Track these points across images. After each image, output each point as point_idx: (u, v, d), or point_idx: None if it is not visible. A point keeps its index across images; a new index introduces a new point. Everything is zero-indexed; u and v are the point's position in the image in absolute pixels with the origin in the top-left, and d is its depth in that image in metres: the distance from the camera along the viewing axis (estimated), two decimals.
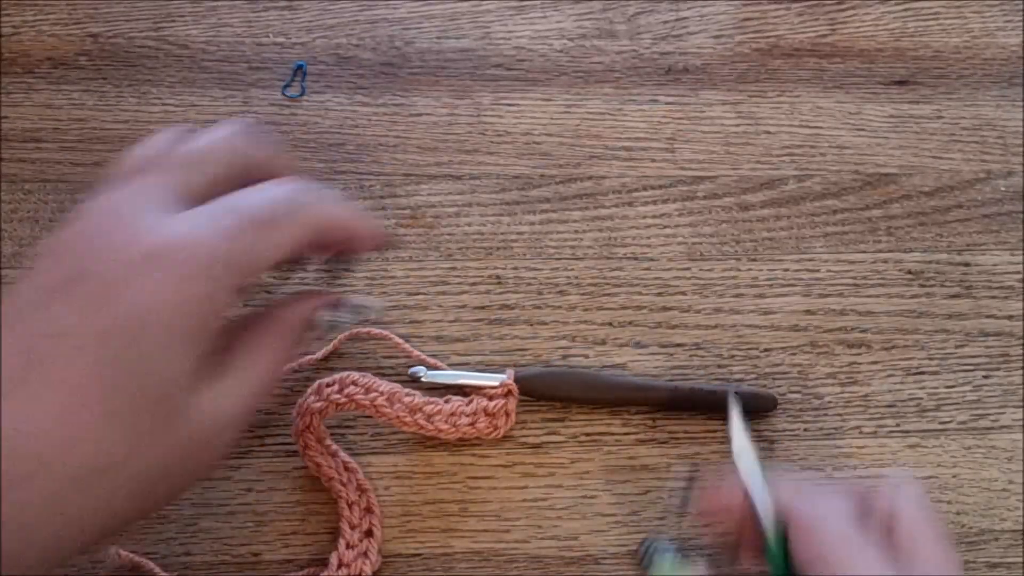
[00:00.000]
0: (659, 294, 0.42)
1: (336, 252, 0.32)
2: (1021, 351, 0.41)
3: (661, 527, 0.37)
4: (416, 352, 0.39)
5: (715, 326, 0.41)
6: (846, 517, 0.30)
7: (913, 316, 0.42)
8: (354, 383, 0.37)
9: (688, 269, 0.42)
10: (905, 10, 0.49)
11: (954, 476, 0.38)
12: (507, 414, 0.38)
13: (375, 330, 0.40)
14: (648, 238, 0.43)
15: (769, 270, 0.42)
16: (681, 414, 0.39)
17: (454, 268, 0.42)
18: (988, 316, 0.42)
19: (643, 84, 0.47)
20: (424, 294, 0.41)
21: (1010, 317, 0.42)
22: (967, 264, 0.43)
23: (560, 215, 0.43)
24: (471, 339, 0.40)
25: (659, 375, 0.40)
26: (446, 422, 0.37)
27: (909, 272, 0.43)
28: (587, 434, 0.39)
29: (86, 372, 0.25)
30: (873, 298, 0.42)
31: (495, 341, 0.40)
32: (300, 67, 0.46)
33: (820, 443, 0.39)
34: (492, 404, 0.37)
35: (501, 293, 0.41)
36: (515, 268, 0.42)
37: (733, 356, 0.40)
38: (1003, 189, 0.45)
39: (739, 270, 0.42)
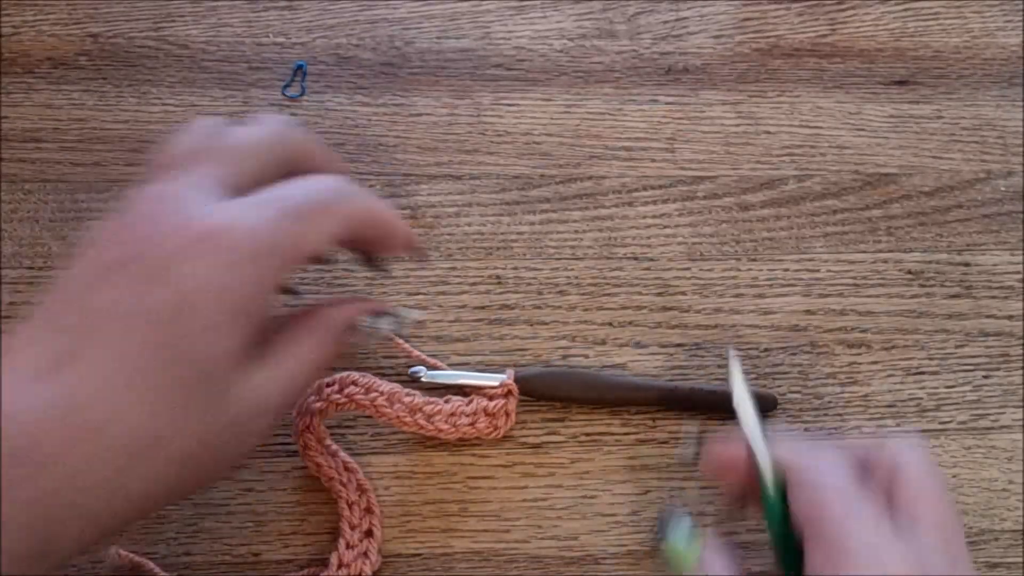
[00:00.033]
0: (659, 294, 0.42)
1: (369, 250, 0.34)
2: (1021, 351, 0.41)
3: (677, 497, 0.37)
4: (416, 352, 0.39)
5: (715, 326, 0.41)
6: (845, 474, 0.30)
7: (913, 316, 0.42)
8: (354, 383, 0.37)
9: (688, 269, 0.42)
10: (905, 10, 0.49)
11: (954, 476, 0.38)
12: (507, 414, 0.38)
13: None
14: (648, 238, 0.43)
15: (769, 270, 0.43)
16: (681, 414, 0.39)
17: (454, 268, 0.42)
18: (988, 316, 0.42)
19: (643, 84, 0.47)
20: (424, 294, 0.41)
21: (1010, 317, 0.42)
22: (967, 264, 0.43)
23: (560, 215, 0.43)
24: (471, 339, 0.40)
25: (659, 375, 0.40)
26: (446, 422, 0.37)
27: (909, 272, 0.43)
28: (587, 434, 0.39)
29: (135, 349, 0.26)
30: (873, 298, 0.42)
31: (495, 341, 0.40)
32: (300, 67, 0.47)
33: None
34: (492, 404, 0.37)
35: (501, 293, 0.41)
36: (515, 268, 0.42)
37: None
38: (1003, 189, 0.45)
39: (739, 270, 0.42)
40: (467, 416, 0.37)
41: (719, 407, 0.37)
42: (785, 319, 0.41)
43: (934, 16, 0.49)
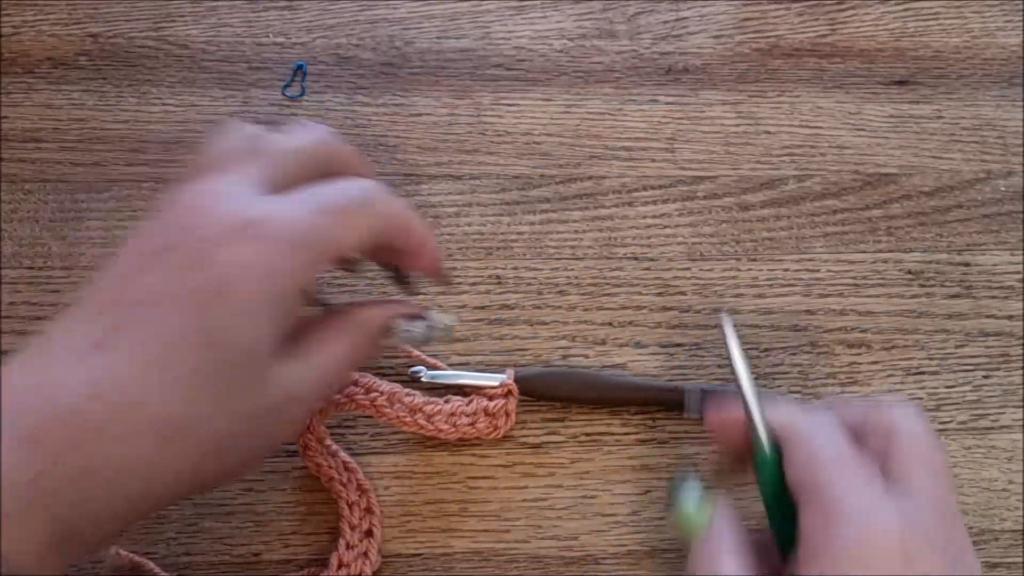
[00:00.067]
0: (659, 294, 0.42)
1: (397, 262, 0.34)
2: (1021, 351, 0.41)
3: (688, 469, 0.38)
4: (416, 352, 0.39)
5: (715, 326, 0.41)
6: (841, 439, 0.30)
7: (913, 316, 0.42)
8: (354, 383, 0.37)
9: (688, 269, 0.42)
10: (905, 10, 0.49)
11: (954, 476, 0.38)
12: (507, 414, 0.38)
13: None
14: (648, 238, 0.43)
15: (769, 270, 0.43)
16: (681, 414, 0.39)
17: (454, 268, 0.42)
18: (988, 316, 0.42)
19: (643, 84, 0.47)
20: (424, 294, 0.41)
21: (1010, 317, 0.42)
22: (967, 264, 0.43)
23: (560, 215, 0.43)
24: (471, 339, 0.40)
25: (659, 375, 0.40)
26: (446, 422, 0.37)
27: (909, 272, 0.43)
28: (587, 434, 0.39)
29: (173, 332, 0.26)
30: (873, 298, 0.42)
31: (495, 341, 0.40)
32: (300, 67, 0.46)
33: None
34: (492, 404, 0.37)
35: (501, 293, 0.41)
36: (515, 268, 0.42)
37: None
38: (1003, 189, 0.45)
39: (739, 270, 0.42)
40: (467, 416, 0.37)
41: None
42: (785, 319, 0.41)
43: (934, 16, 0.49)
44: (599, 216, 0.43)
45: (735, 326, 0.34)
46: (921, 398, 0.40)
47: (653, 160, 0.45)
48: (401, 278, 0.36)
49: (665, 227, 0.43)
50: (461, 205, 0.43)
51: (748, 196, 0.44)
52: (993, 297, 0.42)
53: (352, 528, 0.36)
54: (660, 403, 0.39)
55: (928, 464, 0.30)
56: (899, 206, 0.44)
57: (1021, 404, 0.40)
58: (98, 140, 0.44)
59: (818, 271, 0.43)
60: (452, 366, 0.39)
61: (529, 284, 0.42)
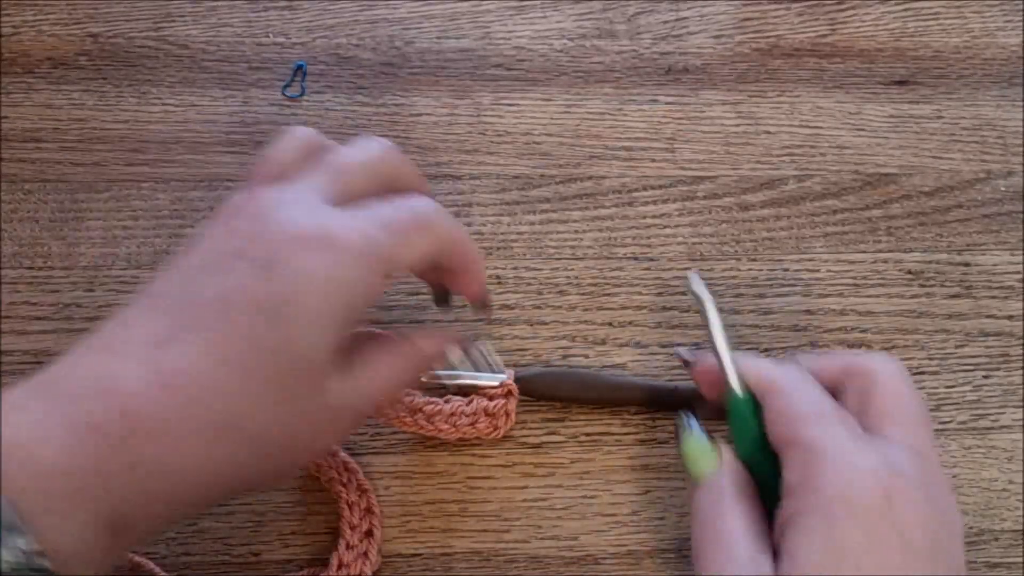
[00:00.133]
0: (659, 294, 0.42)
1: (445, 282, 0.35)
2: (1021, 351, 0.41)
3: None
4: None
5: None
6: (817, 390, 0.31)
7: (913, 316, 0.42)
8: None
9: (688, 269, 0.42)
10: (905, 10, 0.49)
11: (954, 476, 0.38)
12: (507, 414, 0.38)
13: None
14: (648, 238, 0.43)
15: (769, 270, 0.43)
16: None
17: None
18: (988, 316, 0.42)
19: (643, 84, 0.47)
20: (425, 294, 0.41)
21: (1010, 317, 0.42)
22: (967, 264, 0.43)
23: (560, 215, 0.43)
24: (471, 339, 0.40)
25: (659, 375, 0.40)
26: (446, 422, 0.37)
27: (909, 272, 0.43)
28: (587, 434, 0.39)
29: (236, 335, 0.27)
30: (873, 298, 0.42)
31: (495, 341, 0.40)
32: (300, 67, 0.47)
33: None
34: (492, 404, 0.37)
35: (501, 293, 0.41)
36: (515, 268, 0.42)
37: None
38: (1003, 189, 0.45)
39: (739, 270, 0.42)
40: (467, 416, 0.37)
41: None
42: (785, 319, 0.41)
43: (934, 16, 0.49)
44: (599, 216, 0.43)
45: (707, 286, 0.34)
46: (921, 398, 0.40)
47: (653, 160, 0.45)
48: (443, 298, 0.37)
49: (665, 227, 0.43)
50: (461, 205, 0.43)
51: (748, 196, 0.44)
52: (993, 297, 0.42)
53: (352, 528, 0.36)
54: (660, 403, 0.39)
55: (907, 410, 0.31)
56: (899, 206, 0.44)
57: (1021, 404, 0.40)
58: (98, 140, 0.44)
59: (818, 271, 0.43)
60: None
61: (529, 284, 0.42)
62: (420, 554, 0.36)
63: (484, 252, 0.42)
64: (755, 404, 0.32)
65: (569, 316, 0.41)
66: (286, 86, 0.46)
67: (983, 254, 0.43)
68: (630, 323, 0.41)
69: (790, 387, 0.31)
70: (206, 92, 0.46)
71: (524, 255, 0.42)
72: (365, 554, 0.35)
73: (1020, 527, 0.38)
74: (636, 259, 0.43)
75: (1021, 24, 0.49)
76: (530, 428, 0.39)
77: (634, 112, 0.46)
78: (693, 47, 0.48)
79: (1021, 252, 0.43)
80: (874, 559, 0.27)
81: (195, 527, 0.36)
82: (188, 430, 0.26)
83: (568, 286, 0.42)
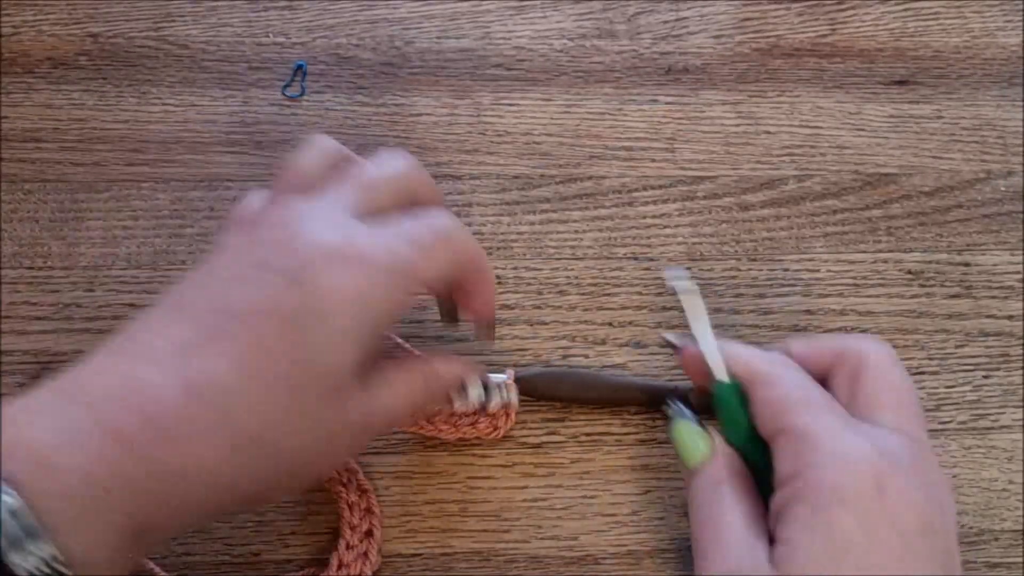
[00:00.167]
0: (659, 294, 0.42)
1: (457, 299, 0.35)
2: (1021, 351, 0.41)
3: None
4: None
5: (715, 326, 0.41)
6: (804, 378, 0.31)
7: (913, 316, 0.42)
8: None
9: (688, 269, 0.42)
10: (905, 10, 0.49)
11: (954, 476, 0.38)
12: (507, 414, 0.38)
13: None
14: (648, 238, 0.43)
15: (769, 270, 0.42)
16: None
17: None
18: (988, 316, 0.42)
19: (643, 84, 0.47)
20: (425, 294, 0.41)
21: (1010, 317, 0.42)
22: (967, 264, 0.43)
23: (560, 215, 0.43)
24: (471, 339, 0.40)
25: (659, 375, 0.40)
26: (446, 422, 0.37)
27: (909, 272, 0.43)
28: (587, 434, 0.39)
29: (262, 346, 0.27)
30: (873, 298, 0.42)
31: (495, 341, 0.40)
32: (300, 67, 0.47)
33: None
34: (492, 404, 0.37)
35: (501, 293, 0.41)
36: (515, 268, 0.42)
37: None
38: (1003, 189, 0.45)
39: (739, 270, 0.42)
40: (467, 416, 0.37)
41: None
42: (785, 319, 0.41)
43: (934, 16, 0.49)
44: (599, 216, 0.43)
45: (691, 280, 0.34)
46: (921, 398, 0.40)
47: (653, 160, 0.45)
48: (451, 314, 0.37)
49: (665, 227, 0.43)
50: (461, 205, 0.43)
51: (748, 196, 0.44)
52: (993, 297, 0.42)
53: (352, 528, 0.36)
54: (660, 403, 0.39)
55: (897, 393, 0.31)
56: (899, 206, 0.44)
57: (1021, 404, 0.40)
58: (98, 140, 0.44)
59: (818, 271, 0.43)
60: None
61: (529, 284, 0.42)
62: (420, 554, 0.36)
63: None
64: (743, 392, 0.32)
65: (569, 316, 0.41)
66: (286, 86, 0.46)
67: (983, 254, 0.43)
68: (630, 323, 0.41)
69: (776, 375, 0.31)
70: (206, 92, 0.46)
71: (524, 255, 0.42)
72: (365, 554, 0.35)
73: (1020, 527, 0.38)
74: (636, 259, 0.43)
75: (1021, 24, 0.49)
76: (530, 428, 0.39)
77: (634, 112, 0.46)
78: (693, 47, 0.48)
79: (1021, 252, 0.43)
80: (867, 545, 0.27)
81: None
82: (211, 439, 0.26)
83: (568, 286, 0.42)
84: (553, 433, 0.39)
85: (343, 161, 0.32)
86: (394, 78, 0.46)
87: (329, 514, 0.37)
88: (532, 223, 0.43)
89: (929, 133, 0.46)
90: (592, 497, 0.38)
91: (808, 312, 0.42)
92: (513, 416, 0.38)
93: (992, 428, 0.39)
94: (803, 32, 0.49)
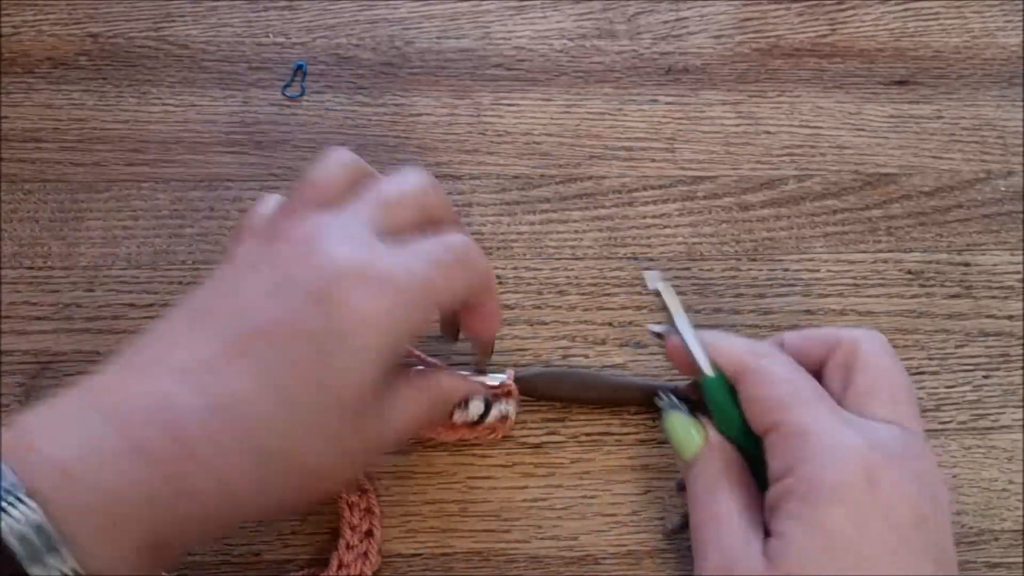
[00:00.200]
0: (659, 294, 0.42)
1: (463, 317, 0.35)
2: (1021, 351, 0.41)
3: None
4: (416, 352, 0.39)
5: (715, 326, 0.41)
6: (794, 372, 0.31)
7: (913, 316, 0.42)
8: None
9: (688, 269, 0.42)
10: (905, 10, 0.49)
11: (954, 476, 0.38)
12: (505, 422, 0.38)
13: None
14: (648, 238, 0.43)
15: (769, 270, 0.42)
16: None
17: None
18: (988, 316, 0.42)
19: (643, 84, 0.47)
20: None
21: (1010, 317, 0.42)
22: (967, 264, 0.43)
23: (560, 215, 0.43)
24: (471, 339, 0.40)
25: (659, 375, 0.40)
26: (444, 426, 0.37)
27: (909, 272, 0.43)
28: (587, 434, 0.39)
29: (284, 364, 0.27)
30: (873, 298, 0.42)
31: (495, 341, 0.40)
32: (300, 67, 0.47)
33: None
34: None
35: (501, 293, 0.41)
36: (515, 268, 0.42)
37: None
38: (1003, 189, 0.45)
39: (739, 270, 0.42)
40: (465, 427, 0.37)
41: None
42: (785, 319, 0.41)
43: (934, 16, 0.49)
44: (599, 216, 0.43)
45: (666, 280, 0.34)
46: (921, 398, 0.40)
47: (653, 160, 0.45)
48: (453, 330, 0.37)
49: (665, 227, 0.43)
50: (461, 205, 0.43)
51: (748, 196, 0.44)
52: (993, 297, 0.42)
53: (352, 528, 0.36)
54: None
55: (890, 385, 0.31)
56: (899, 206, 0.44)
57: (1021, 404, 0.40)
58: (98, 140, 0.44)
59: (818, 271, 0.43)
60: (452, 366, 0.39)
61: (529, 284, 0.42)
62: (420, 554, 0.36)
63: (484, 251, 0.42)
64: (731, 384, 0.32)
65: (569, 316, 0.41)
66: (286, 86, 0.46)
67: (983, 254, 0.43)
68: (630, 323, 0.41)
69: (763, 370, 0.31)
70: (206, 92, 0.46)
71: (524, 255, 0.42)
72: (365, 554, 0.35)
73: (1020, 527, 0.38)
74: (636, 259, 0.43)
75: (1021, 24, 0.49)
76: (530, 428, 0.39)
77: (634, 112, 0.46)
78: (693, 47, 0.48)
79: (1021, 252, 0.43)
80: (860, 539, 0.27)
81: None
82: (234, 457, 0.26)
83: (568, 286, 0.42)
84: (553, 433, 0.39)
85: (362, 176, 0.32)
86: (394, 78, 0.46)
87: (329, 514, 0.37)
88: (532, 223, 0.43)
89: (929, 133, 0.46)
90: (592, 497, 0.38)
91: (808, 312, 0.42)
92: (511, 423, 0.38)
93: (992, 428, 0.39)
94: (803, 32, 0.49)
